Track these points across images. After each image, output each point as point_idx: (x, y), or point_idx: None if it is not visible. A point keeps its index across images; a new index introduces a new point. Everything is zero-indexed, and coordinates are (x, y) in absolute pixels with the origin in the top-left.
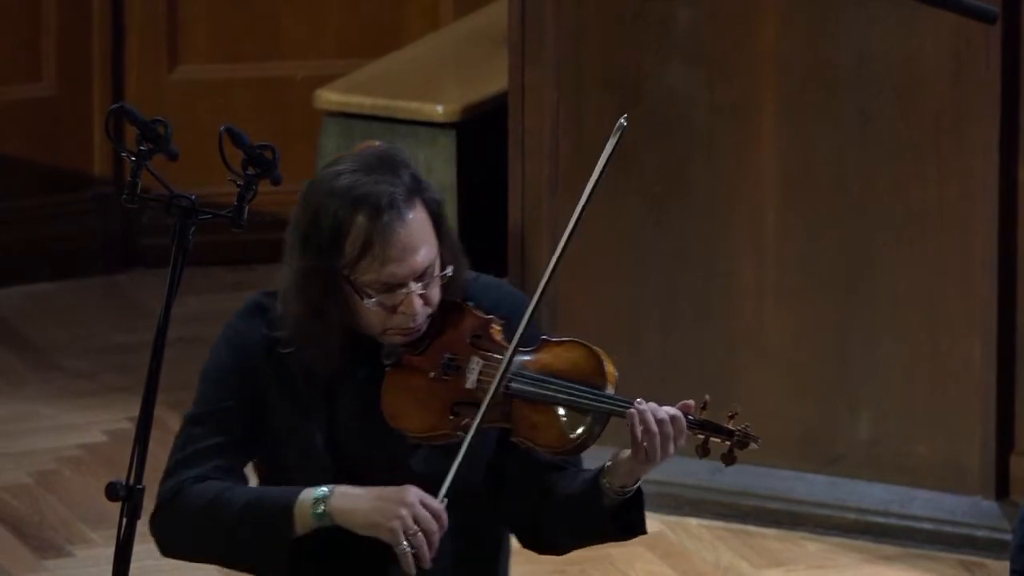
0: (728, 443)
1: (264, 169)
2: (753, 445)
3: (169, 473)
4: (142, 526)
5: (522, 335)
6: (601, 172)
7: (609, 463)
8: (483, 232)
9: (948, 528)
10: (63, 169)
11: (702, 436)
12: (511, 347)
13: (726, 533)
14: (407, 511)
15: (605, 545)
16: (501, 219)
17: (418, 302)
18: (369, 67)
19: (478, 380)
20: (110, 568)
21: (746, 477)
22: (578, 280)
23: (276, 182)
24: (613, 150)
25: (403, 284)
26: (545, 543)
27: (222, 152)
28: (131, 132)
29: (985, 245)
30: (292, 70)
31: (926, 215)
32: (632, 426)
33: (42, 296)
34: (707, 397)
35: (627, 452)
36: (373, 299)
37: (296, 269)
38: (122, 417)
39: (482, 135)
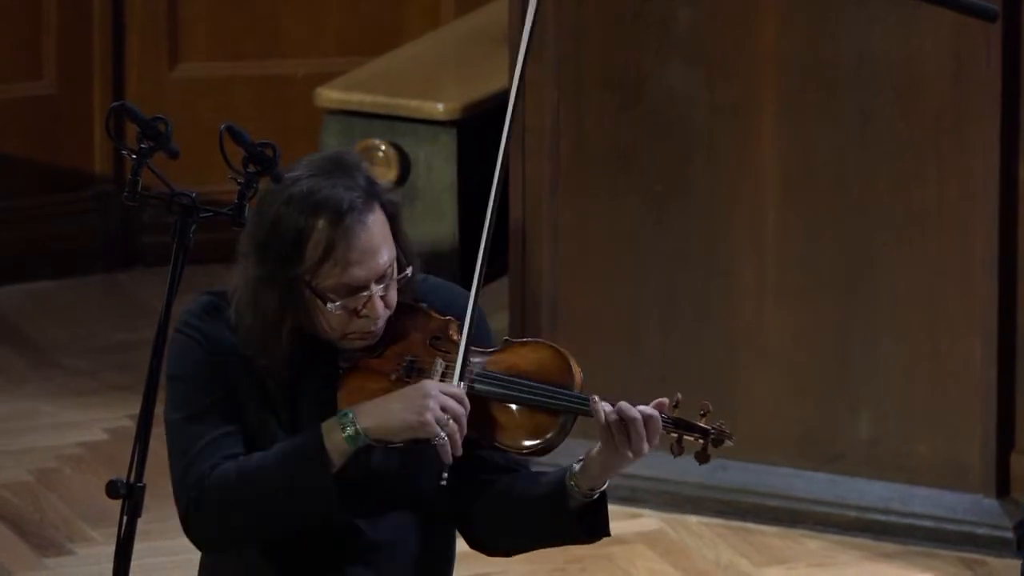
0: (702, 441)
1: (265, 167)
2: (728, 443)
3: (183, 475)
4: (142, 524)
5: (478, 335)
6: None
7: (578, 465)
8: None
9: (948, 526)
10: (64, 167)
11: (676, 434)
12: (463, 339)
13: (726, 531)
14: (434, 401)
15: (605, 542)
16: (501, 218)
17: (380, 305)
18: (370, 65)
19: (441, 381)
20: (110, 566)
21: (746, 475)
22: (578, 280)
23: (277, 180)
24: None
25: (365, 287)
26: (495, 544)
27: (223, 150)
28: (132, 130)
29: (985, 244)
30: (293, 68)
31: (926, 214)
32: (608, 425)
33: (43, 294)
34: (679, 395)
35: (597, 452)
36: (336, 303)
37: (252, 278)
38: (122, 415)
39: (482, 133)
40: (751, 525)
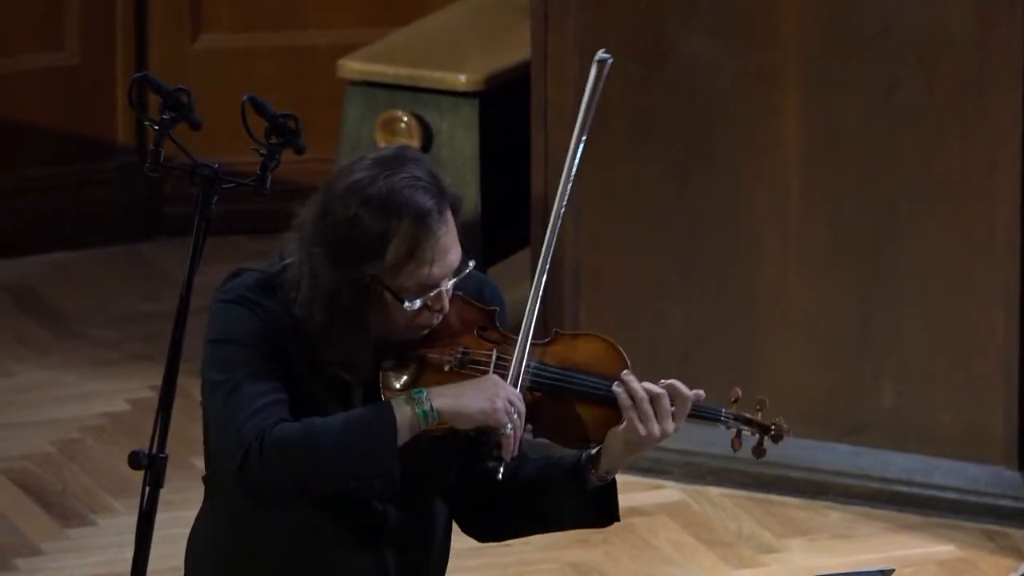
0: (760, 436)
1: (287, 138)
2: (785, 438)
3: (242, 426)
4: (164, 494)
5: (503, 321)
6: (586, 114)
7: (595, 448)
8: (506, 202)
9: (971, 497)
10: (86, 138)
11: (735, 429)
12: (522, 339)
13: (749, 502)
14: (504, 393)
15: (627, 513)
16: (524, 189)
17: (447, 298)
18: (392, 36)
19: (495, 373)
20: (133, 537)
21: (769, 446)
22: (601, 250)
23: (299, 151)
24: (596, 89)
25: (439, 284)
26: (492, 531)
27: (245, 121)
28: (154, 101)
29: (1009, 214)
30: (315, 39)
31: (950, 184)
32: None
33: (65, 265)
34: (738, 391)
35: (622, 430)
36: (416, 301)
37: (326, 280)
38: (145, 386)
39: (505, 104)
40: (774, 496)
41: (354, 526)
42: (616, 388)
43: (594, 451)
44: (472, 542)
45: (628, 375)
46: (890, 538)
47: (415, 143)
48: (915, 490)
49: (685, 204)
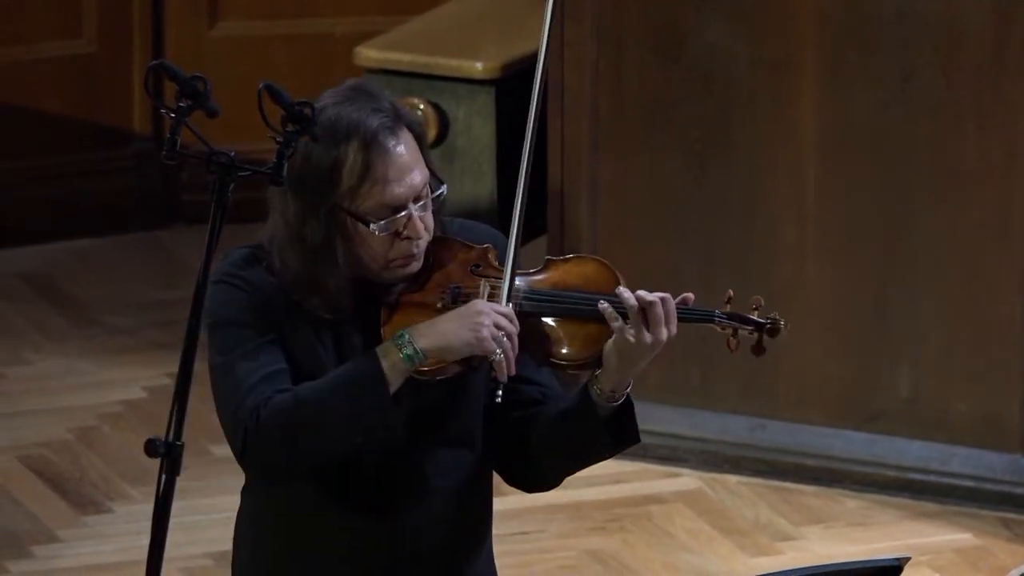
0: (757, 333)
1: (303, 126)
2: (783, 331)
3: (238, 409)
4: (181, 482)
5: (519, 232)
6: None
7: (598, 371)
8: None
9: (987, 485)
10: (103, 126)
11: (730, 329)
12: (509, 259)
13: (765, 490)
14: (488, 319)
15: (644, 502)
16: (540, 176)
17: (419, 225)
18: (409, 24)
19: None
20: (149, 524)
21: (785, 434)
22: (617, 238)
23: (315, 139)
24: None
25: (404, 206)
26: (535, 477)
27: (261, 109)
28: (171, 89)
29: None
30: (331, 27)
31: (966, 172)
32: (619, 316)
33: (83, 252)
34: (730, 292)
35: (611, 343)
36: (379, 223)
37: (291, 216)
38: (162, 373)
39: (521, 92)
40: (790, 484)
41: (379, 488)
42: (601, 304)
43: (598, 373)
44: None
45: (619, 288)
46: (907, 526)
47: (431, 131)
48: (932, 478)
49: (701, 193)
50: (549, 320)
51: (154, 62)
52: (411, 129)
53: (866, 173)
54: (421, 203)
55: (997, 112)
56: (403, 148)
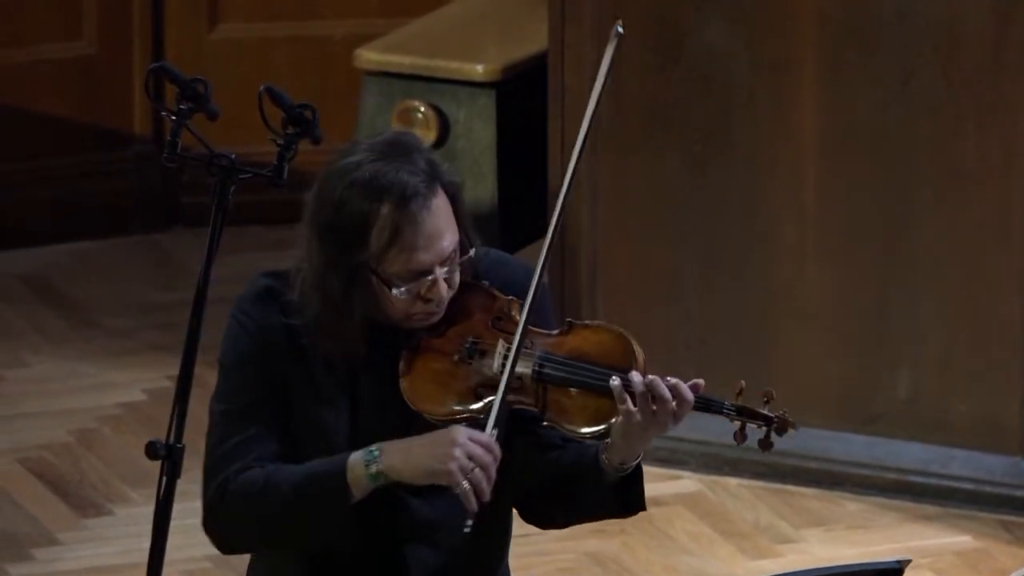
0: (766, 429)
1: (304, 129)
2: (791, 431)
3: (212, 472)
4: (181, 484)
5: (539, 313)
6: (602, 87)
7: (608, 439)
8: (523, 192)
9: (987, 488)
10: (103, 128)
11: (739, 422)
12: (520, 324)
13: (765, 492)
14: (460, 450)
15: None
16: (541, 179)
17: (444, 287)
18: (409, 26)
19: (503, 364)
20: (150, 527)
21: (785, 437)
22: (617, 239)
23: (316, 141)
24: (612, 61)
25: (429, 271)
26: (547, 518)
27: (262, 112)
28: (171, 91)
29: None
30: (332, 29)
31: (966, 173)
32: (627, 400)
33: (82, 255)
34: (743, 383)
35: (615, 427)
36: (402, 288)
37: (317, 263)
38: (162, 376)
39: (522, 94)
40: (790, 487)
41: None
42: (612, 381)
43: (607, 442)
44: None
45: (633, 371)
46: (907, 529)
47: (432, 133)
48: (932, 480)
49: (701, 194)
50: (560, 388)
51: (155, 64)
52: (445, 189)
53: (866, 173)
54: (447, 268)
55: (997, 112)
56: (434, 214)
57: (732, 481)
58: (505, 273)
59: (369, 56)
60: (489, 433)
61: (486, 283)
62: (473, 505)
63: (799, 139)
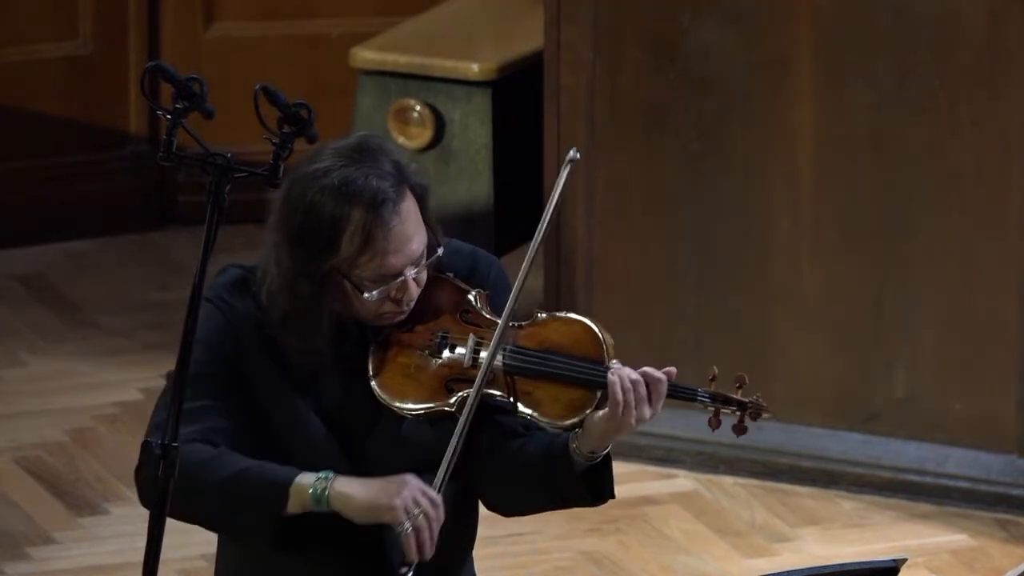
0: (740, 414)
1: (300, 127)
2: (765, 415)
3: (158, 427)
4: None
5: (500, 299)
6: (553, 207)
7: (579, 429)
8: (518, 190)
9: (983, 486)
10: (99, 127)
11: (713, 408)
12: (500, 326)
13: (761, 491)
14: (408, 493)
15: (640, 503)
16: (536, 177)
17: (413, 287)
18: (405, 25)
19: (473, 358)
20: (145, 526)
21: (781, 435)
22: (613, 239)
23: (312, 140)
24: (563, 184)
25: (400, 273)
26: (511, 507)
27: (258, 110)
28: (167, 90)
29: (1021, 202)
30: (328, 28)
31: (962, 171)
32: (611, 391)
33: (78, 253)
34: (715, 369)
35: (598, 416)
36: (373, 292)
37: (287, 268)
38: (158, 375)
39: (517, 93)
40: (786, 486)
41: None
42: (611, 376)
43: (578, 432)
44: (484, 532)
45: (616, 364)
46: (903, 527)
47: (428, 132)
48: (928, 479)
49: (697, 193)
50: (530, 380)
51: (150, 63)
52: (414, 191)
53: (862, 173)
54: (416, 269)
55: (993, 112)
56: (404, 219)
57: (728, 480)
58: (467, 263)
59: (365, 55)
60: (437, 491)
61: (450, 275)
62: (413, 553)
63: (795, 139)
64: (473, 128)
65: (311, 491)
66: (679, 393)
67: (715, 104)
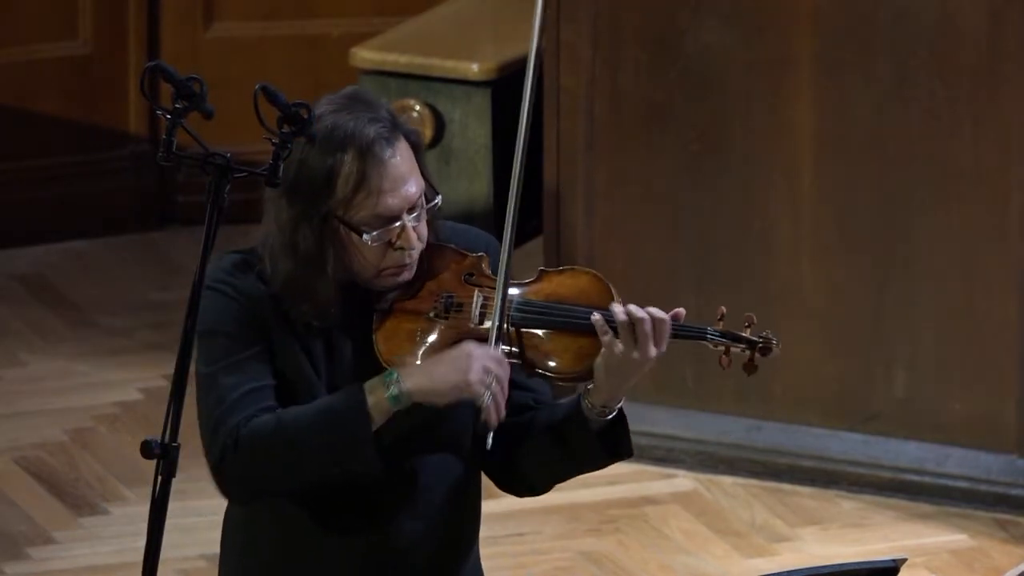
0: (749, 352)
1: (299, 127)
2: (775, 351)
3: (216, 428)
4: (177, 483)
5: (508, 270)
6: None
7: (590, 384)
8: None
9: (983, 486)
10: (99, 127)
11: (723, 346)
12: (502, 271)
13: (761, 491)
14: (477, 362)
15: (640, 503)
16: (536, 177)
17: (413, 236)
18: (404, 25)
19: (480, 315)
20: (145, 526)
21: (781, 435)
22: (613, 239)
23: (311, 140)
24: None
25: (398, 217)
26: (525, 483)
27: (257, 110)
28: (166, 90)
29: (1021, 203)
30: (327, 28)
31: (962, 172)
32: (618, 324)
33: (78, 253)
34: (723, 309)
35: (600, 359)
36: (372, 234)
37: (284, 221)
38: (157, 375)
39: (517, 93)
40: (786, 486)
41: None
42: (594, 316)
43: (589, 387)
44: (484, 532)
45: (614, 304)
46: (902, 527)
47: (428, 132)
48: (927, 479)
49: (698, 194)
50: (540, 332)
51: (150, 63)
52: (408, 139)
53: (862, 174)
54: (415, 214)
55: (993, 113)
56: (399, 159)
57: (727, 480)
58: (469, 238)
59: (365, 55)
60: (495, 348)
61: (452, 245)
62: (494, 420)
63: (795, 139)
64: (473, 128)
65: (388, 396)
66: (690, 333)
67: (715, 104)
